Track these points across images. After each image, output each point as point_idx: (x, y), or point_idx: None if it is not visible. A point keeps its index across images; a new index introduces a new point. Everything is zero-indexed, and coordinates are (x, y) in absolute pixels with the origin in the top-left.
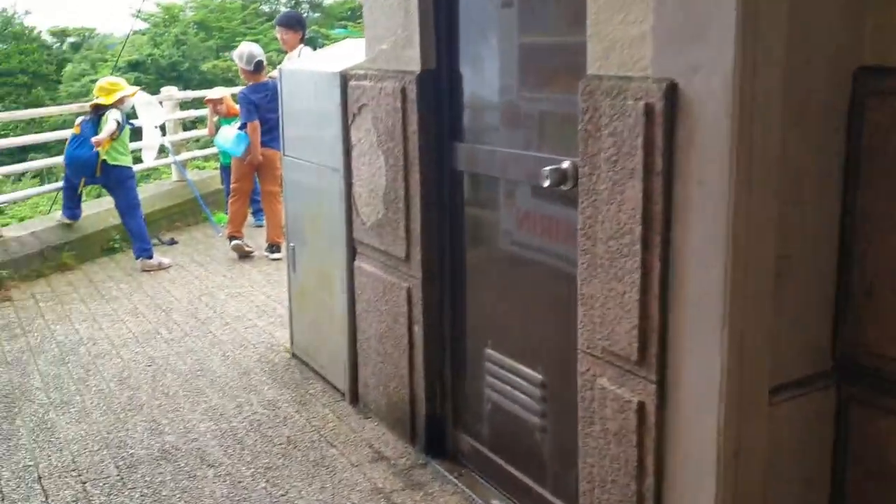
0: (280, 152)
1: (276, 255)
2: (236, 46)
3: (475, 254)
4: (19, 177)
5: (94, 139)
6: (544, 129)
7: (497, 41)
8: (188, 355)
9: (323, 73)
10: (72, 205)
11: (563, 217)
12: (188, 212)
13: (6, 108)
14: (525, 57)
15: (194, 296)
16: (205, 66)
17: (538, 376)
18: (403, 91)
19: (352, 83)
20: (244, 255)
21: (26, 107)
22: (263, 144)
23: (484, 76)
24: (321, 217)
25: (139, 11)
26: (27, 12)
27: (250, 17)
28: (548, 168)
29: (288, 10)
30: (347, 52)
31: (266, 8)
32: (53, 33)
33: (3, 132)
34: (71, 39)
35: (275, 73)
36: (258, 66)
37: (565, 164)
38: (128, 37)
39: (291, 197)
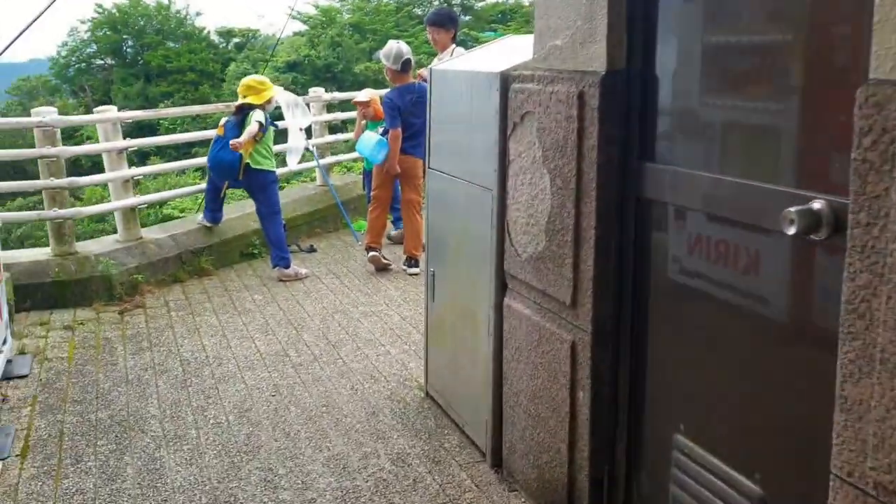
0: (422, 160)
1: (413, 270)
2: None
3: (665, 309)
4: (184, 171)
5: (232, 142)
6: (783, 153)
7: (713, 34)
8: (315, 385)
9: (479, 74)
10: (214, 207)
11: (809, 275)
12: (329, 218)
13: (176, 104)
14: (755, 54)
15: (327, 312)
16: (357, 68)
17: (755, 489)
18: (581, 97)
19: (514, 86)
20: (381, 268)
21: (193, 103)
22: (405, 151)
23: (691, 80)
24: (467, 241)
25: (297, 12)
26: (198, 13)
27: (403, 19)
28: (793, 209)
29: (441, 7)
30: (509, 50)
31: (419, 10)
32: (220, 33)
33: (171, 127)
34: (236, 40)
35: (424, 71)
36: (405, 66)
37: (818, 205)
38: (278, 41)
39: (434, 215)
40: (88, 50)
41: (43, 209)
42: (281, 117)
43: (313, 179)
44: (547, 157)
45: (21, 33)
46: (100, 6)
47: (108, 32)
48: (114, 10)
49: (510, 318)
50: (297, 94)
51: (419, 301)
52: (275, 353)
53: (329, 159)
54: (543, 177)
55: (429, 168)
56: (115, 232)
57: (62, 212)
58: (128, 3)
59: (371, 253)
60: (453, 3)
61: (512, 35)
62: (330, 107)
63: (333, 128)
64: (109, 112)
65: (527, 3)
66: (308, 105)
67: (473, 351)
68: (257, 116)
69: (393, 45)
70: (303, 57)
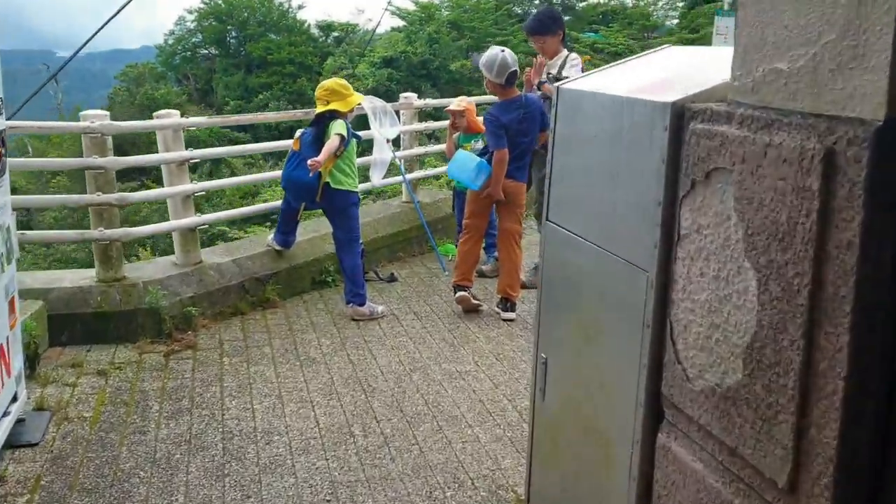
0: (525, 184)
1: (508, 315)
2: (485, 48)
3: None
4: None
5: (310, 162)
6: None
7: None
8: (382, 486)
9: (636, 103)
10: (286, 230)
11: None
12: (413, 240)
13: (274, 97)
14: None
15: (404, 370)
16: (453, 66)
17: None
18: (829, 158)
19: (695, 126)
20: (470, 310)
21: (290, 95)
22: (508, 175)
23: None
24: (600, 333)
25: (396, 8)
26: (301, 6)
27: (502, 18)
28: None
29: (539, 10)
30: (676, 68)
31: (518, 9)
32: (320, 27)
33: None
34: (335, 34)
35: (549, 87)
36: (511, 79)
37: None
38: (372, 35)
39: (551, 280)
40: (194, 39)
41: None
42: (365, 125)
43: (397, 194)
44: (753, 245)
45: (104, 25)
46: None
47: (213, 23)
48: (220, 1)
49: (667, 467)
50: (390, 94)
51: (515, 361)
52: (337, 427)
53: (417, 173)
54: (745, 273)
55: (548, 220)
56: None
57: (109, 232)
58: None
59: (459, 293)
60: (553, 3)
61: (605, 41)
62: (422, 114)
63: (423, 139)
64: (169, 118)
65: (630, 4)
66: (397, 113)
67: (603, 491)
68: (338, 128)
69: (496, 55)
70: (399, 53)
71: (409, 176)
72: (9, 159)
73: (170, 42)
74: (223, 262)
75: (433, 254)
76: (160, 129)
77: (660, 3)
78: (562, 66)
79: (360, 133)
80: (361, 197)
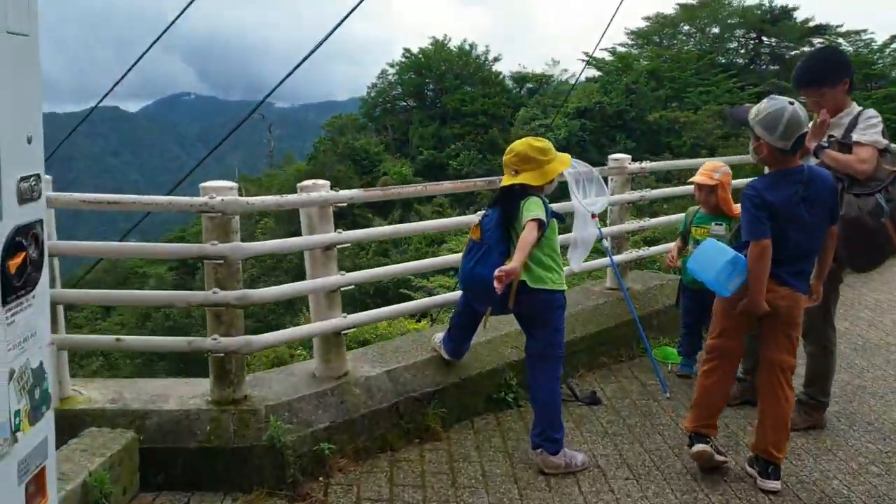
0: (805, 296)
1: (770, 484)
2: (687, 97)
3: None
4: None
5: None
6: None
7: None
8: None
9: None
10: (460, 337)
11: None
12: (620, 340)
13: (465, 147)
14: None
15: None
16: (651, 117)
17: None
18: None
19: None
20: (710, 467)
21: (481, 146)
22: (780, 280)
23: None
24: None
25: (593, 59)
26: (497, 58)
27: (704, 67)
28: None
29: (813, 52)
30: None
31: (722, 59)
32: (515, 78)
33: (458, 168)
34: (529, 85)
35: (808, 136)
36: (797, 145)
37: None
38: (573, 87)
39: None
40: (394, 92)
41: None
42: (563, 194)
43: (598, 278)
44: None
45: (282, 81)
46: (408, 51)
47: (412, 76)
48: (419, 55)
49: None
50: (584, 146)
51: None
52: None
53: (627, 255)
54: None
55: None
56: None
57: (226, 342)
58: (433, 48)
59: (698, 445)
60: (762, 53)
61: None
62: (635, 180)
63: (636, 209)
64: (316, 190)
65: (851, 51)
66: (605, 179)
67: None
68: (533, 210)
69: (782, 108)
70: (594, 104)
71: (617, 258)
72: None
73: (372, 94)
74: (373, 375)
75: (646, 359)
76: (304, 206)
77: (887, 51)
78: (850, 127)
79: (561, 212)
80: None
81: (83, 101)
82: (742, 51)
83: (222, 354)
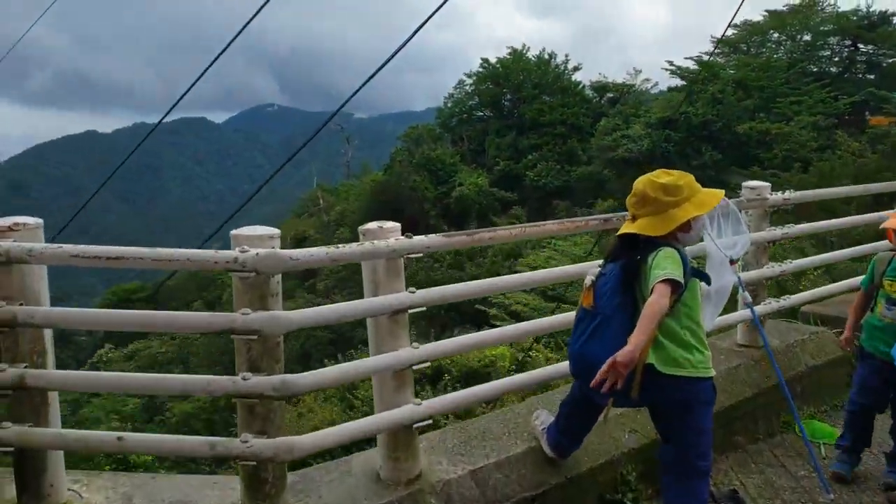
0: None
1: None
2: (777, 107)
3: None
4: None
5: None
6: None
7: None
8: None
9: None
10: (570, 432)
11: None
12: (759, 413)
13: (543, 158)
14: None
15: None
16: (740, 128)
17: None
18: None
19: None
20: None
21: (559, 156)
22: None
23: None
24: None
25: (676, 67)
26: (577, 68)
27: (795, 76)
28: None
29: None
30: None
31: (814, 67)
32: (594, 88)
33: (536, 180)
34: (609, 95)
35: None
36: None
37: None
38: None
39: None
40: (471, 102)
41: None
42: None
43: (724, 331)
44: None
45: (353, 94)
46: (486, 61)
47: (489, 86)
48: (497, 65)
49: None
50: (668, 156)
51: None
52: None
53: (768, 306)
54: None
55: None
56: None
57: (260, 445)
58: (511, 58)
59: None
60: (857, 61)
61: None
62: (775, 215)
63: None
64: (385, 238)
65: None
66: (739, 212)
67: None
68: (665, 267)
69: None
70: (679, 114)
71: (756, 307)
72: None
73: (449, 105)
74: (455, 478)
75: (788, 435)
76: (367, 259)
77: None
78: None
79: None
80: None
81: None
82: (836, 59)
83: (255, 463)
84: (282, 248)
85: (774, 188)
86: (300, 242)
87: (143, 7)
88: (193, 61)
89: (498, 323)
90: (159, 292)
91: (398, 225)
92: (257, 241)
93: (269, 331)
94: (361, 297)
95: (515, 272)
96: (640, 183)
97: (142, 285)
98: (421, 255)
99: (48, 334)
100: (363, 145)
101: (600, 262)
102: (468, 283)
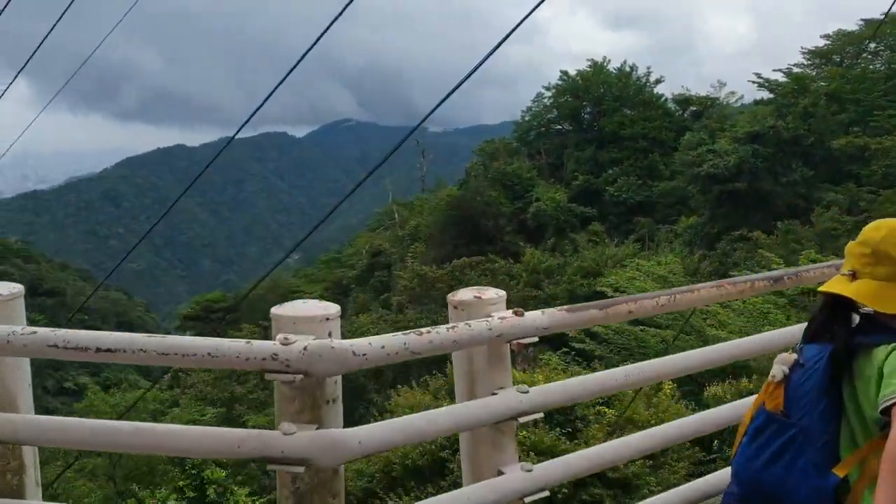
0: None
1: None
2: (874, 121)
3: None
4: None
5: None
6: None
7: None
8: None
9: None
10: None
11: None
12: None
13: (623, 172)
14: None
15: None
16: (835, 143)
17: None
18: None
19: None
20: None
21: (640, 171)
22: None
23: None
24: None
25: (764, 80)
26: (658, 80)
27: (894, 88)
28: None
29: None
30: None
31: None
32: (677, 101)
33: (616, 195)
34: (693, 108)
35: None
36: None
37: None
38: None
39: None
40: (549, 115)
41: None
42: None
43: None
44: None
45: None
46: (565, 73)
47: (569, 99)
48: (577, 78)
49: None
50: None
51: None
52: None
53: None
54: None
55: None
56: None
57: None
58: (591, 70)
59: None
60: None
61: None
62: None
63: None
64: (483, 310)
65: None
66: None
67: None
68: None
69: None
70: (767, 128)
71: None
72: None
73: (526, 118)
74: None
75: None
76: (462, 347)
77: None
78: None
79: None
80: None
81: (252, 128)
82: None
83: None
84: (356, 261)
85: None
86: (375, 256)
87: (232, 28)
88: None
89: (577, 345)
90: (240, 302)
91: (502, 294)
92: (306, 324)
93: (323, 460)
94: (438, 316)
95: (596, 292)
96: (880, 231)
97: (223, 295)
98: (532, 341)
99: (31, 455)
100: (437, 160)
101: (788, 330)
102: (600, 374)
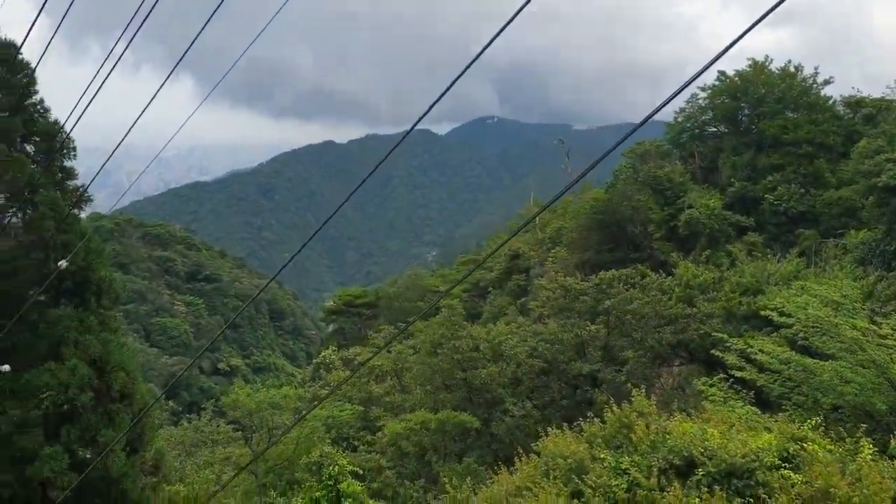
0: None
1: None
2: None
3: None
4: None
5: None
6: None
7: None
8: None
9: None
10: None
11: None
12: None
13: (784, 179)
14: None
15: None
16: None
17: None
18: None
19: None
20: None
21: (803, 178)
22: None
23: None
24: None
25: None
26: (827, 81)
27: None
28: None
29: None
30: None
31: None
32: (847, 104)
33: (776, 203)
34: (865, 111)
35: None
36: None
37: None
38: None
39: None
40: (704, 117)
41: None
42: None
43: None
44: None
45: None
46: (723, 73)
47: (725, 100)
48: (736, 78)
49: None
50: None
51: None
52: None
53: None
54: None
55: None
56: None
57: None
58: (751, 70)
59: None
60: None
61: None
62: None
63: None
64: None
65: None
66: None
67: None
68: None
69: None
70: None
71: None
72: None
73: (679, 119)
74: None
75: None
76: None
77: None
78: None
79: None
80: None
81: (399, 125)
82: None
83: None
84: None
85: None
86: (514, 259)
87: (379, 27)
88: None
89: (737, 373)
90: (379, 298)
91: None
92: None
93: None
94: (581, 330)
95: (758, 314)
96: None
97: (363, 291)
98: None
99: None
100: (580, 159)
101: None
102: None
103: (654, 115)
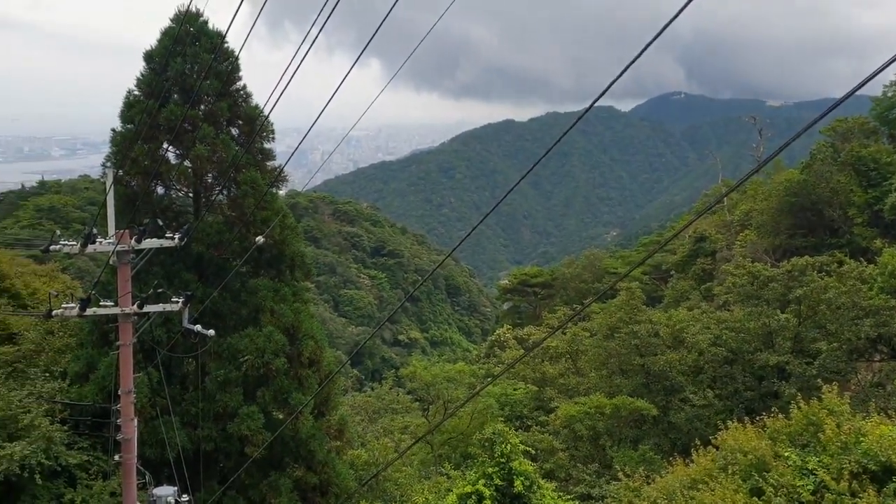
0: None
1: None
2: None
3: None
4: None
5: None
6: None
7: None
8: None
9: None
10: None
11: None
12: None
13: None
14: None
15: None
16: None
17: None
18: None
19: None
20: None
21: None
22: None
23: None
24: None
25: None
26: None
27: None
28: None
29: None
30: None
31: None
32: None
33: None
34: None
35: None
36: None
37: None
38: None
39: None
40: None
41: None
42: None
43: None
44: None
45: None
46: None
47: None
48: None
49: None
50: None
51: None
52: None
53: None
54: None
55: None
56: None
57: None
58: None
59: None
60: None
61: None
62: None
63: None
64: None
65: None
66: None
67: None
68: None
69: None
70: None
71: None
72: None
73: (888, 94)
74: None
75: None
76: None
77: None
78: None
79: None
80: None
81: (582, 101)
82: None
83: None
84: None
85: None
86: (699, 241)
87: (562, 2)
88: (605, 54)
89: None
90: (555, 279)
91: None
92: None
93: None
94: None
95: None
96: None
97: (539, 270)
98: None
99: None
100: (775, 138)
101: None
102: None
103: (858, 88)
